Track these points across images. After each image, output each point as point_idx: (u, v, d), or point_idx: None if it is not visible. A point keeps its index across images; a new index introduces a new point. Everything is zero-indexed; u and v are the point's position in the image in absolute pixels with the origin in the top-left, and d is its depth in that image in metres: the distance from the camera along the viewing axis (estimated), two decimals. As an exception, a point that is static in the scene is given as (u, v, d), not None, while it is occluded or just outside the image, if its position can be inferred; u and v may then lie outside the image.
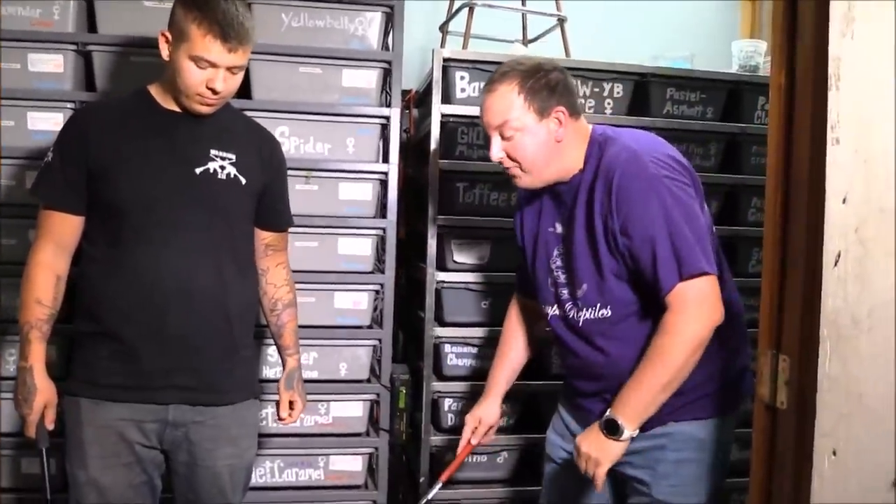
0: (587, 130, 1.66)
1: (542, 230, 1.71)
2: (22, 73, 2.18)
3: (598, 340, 1.62)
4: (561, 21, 2.88)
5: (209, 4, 1.54)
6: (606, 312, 1.59)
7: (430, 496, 1.88)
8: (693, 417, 1.60)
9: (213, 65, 1.56)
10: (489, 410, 1.88)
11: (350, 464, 2.39)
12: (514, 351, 1.90)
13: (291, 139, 2.33)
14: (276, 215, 1.84)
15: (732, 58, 2.79)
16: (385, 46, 2.41)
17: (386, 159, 2.38)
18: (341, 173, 2.36)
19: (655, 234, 1.48)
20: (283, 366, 1.88)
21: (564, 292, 1.66)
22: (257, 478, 2.34)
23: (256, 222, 1.79)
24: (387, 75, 2.38)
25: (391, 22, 2.38)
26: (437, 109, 2.43)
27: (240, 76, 1.63)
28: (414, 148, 2.92)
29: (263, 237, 1.82)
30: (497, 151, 1.61)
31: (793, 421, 1.05)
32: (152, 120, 1.65)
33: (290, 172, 2.30)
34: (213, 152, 1.67)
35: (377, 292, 2.40)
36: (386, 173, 2.37)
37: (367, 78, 2.36)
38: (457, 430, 2.49)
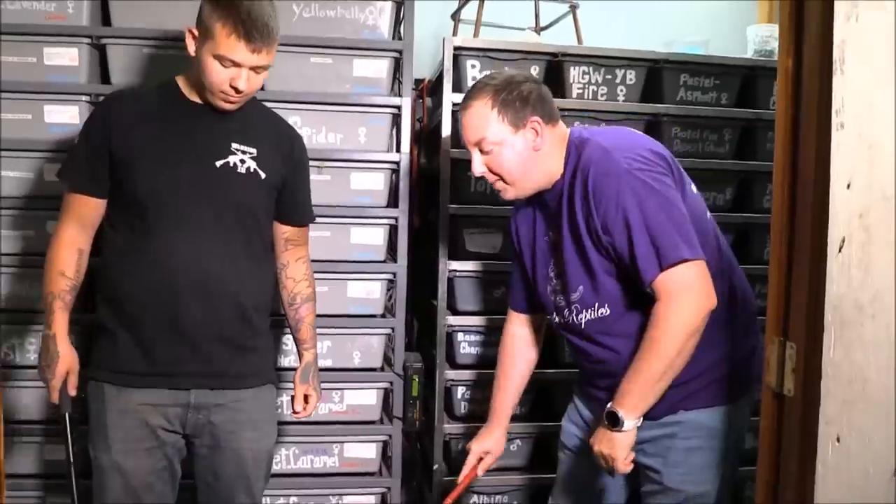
0: (565, 134, 1.66)
1: (538, 239, 1.73)
2: (38, 66, 2.21)
3: (604, 340, 1.63)
4: (573, 7, 2.87)
5: (234, 3, 1.55)
6: (605, 311, 1.60)
7: None
8: (703, 405, 1.61)
9: (237, 64, 1.57)
10: (495, 441, 1.88)
11: (364, 451, 2.41)
12: (513, 375, 1.88)
13: (303, 129, 2.34)
14: (297, 210, 1.85)
15: (748, 43, 2.76)
16: (396, 35, 2.41)
17: (398, 149, 2.39)
18: (353, 163, 2.36)
19: (632, 228, 1.49)
20: (300, 359, 1.89)
21: (561, 299, 1.68)
22: (273, 465, 2.37)
23: (276, 216, 1.81)
24: (398, 64, 2.38)
25: (402, 11, 2.37)
26: (449, 98, 2.43)
27: (264, 74, 1.63)
28: (427, 137, 2.92)
29: (283, 231, 1.83)
30: (478, 167, 1.62)
31: (799, 408, 1.05)
32: (177, 112, 1.68)
33: (301, 162, 2.34)
34: (234, 146, 1.68)
35: (390, 281, 2.41)
36: (398, 163, 2.38)
37: (379, 67, 2.36)
38: (469, 417, 2.52)
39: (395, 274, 2.40)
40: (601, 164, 1.53)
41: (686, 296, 1.47)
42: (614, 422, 1.53)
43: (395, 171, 2.39)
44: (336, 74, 2.34)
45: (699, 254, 1.49)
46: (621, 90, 2.58)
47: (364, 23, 2.36)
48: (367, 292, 2.40)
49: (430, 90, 2.92)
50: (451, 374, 2.50)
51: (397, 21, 2.40)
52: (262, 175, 1.71)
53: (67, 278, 1.65)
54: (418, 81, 2.83)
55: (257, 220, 1.74)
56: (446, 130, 2.45)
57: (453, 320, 2.49)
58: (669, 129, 2.59)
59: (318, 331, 2.35)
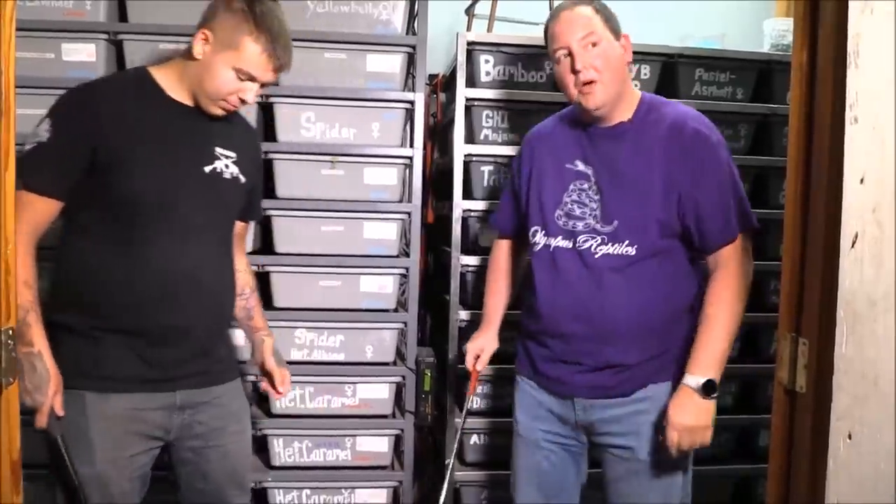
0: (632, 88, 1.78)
1: (558, 165, 1.77)
2: (56, 62, 2.24)
3: (607, 276, 1.67)
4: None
5: (267, 22, 1.53)
6: (631, 251, 1.66)
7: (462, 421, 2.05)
8: (668, 378, 1.68)
9: (253, 79, 1.56)
10: (490, 340, 1.96)
11: (376, 445, 2.43)
12: (506, 286, 1.98)
13: (317, 124, 2.35)
14: (255, 209, 1.89)
15: (764, 37, 2.73)
16: (410, 31, 2.42)
17: (411, 144, 2.39)
18: (367, 158, 2.37)
19: (727, 190, 1.64)
20: (261, 345, 1.85)
21: (579, 225, 1.71)
22: (286, 457, 2.40)
23: (239, 216, 1.81)
24: (412, 59, 2.38)
25: (416, 6, 2.37)
26: (462, 93, 2.43)
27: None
28: (441, 132, 2.93)
29: (237, 229, 1.82)
30: (584, 59, 1.64)
31: (811, 405, 1.04)
32: (162, 110, 1.60)
33: (315, 157, 2.35)
34: (218, 150, 1.66)
35: (403, 276, 2.42)
36: (411, 158, 2.38)
37: (392, 63, 2.37)
38: (482, 412, 2.52)
39: (407, 269, 2.41)
40: (700, 129, 1.66)
41: (750, 259, 1.67)
42: (712, 389, 1.58)
43: (409, 167, 2.39)
44: (350, 69, 2.35)
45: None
46: (636, 84, 2.55)
47: (378, 18, 2.36)
48: (380, 287, 2.41)
49: (443, 85, 2.92)
50: (463, 368, 2.50)
51: (411, 16, 2.41)
52: (242, 180, 1.71)
53: (32, 288, 1.50)
54: (432, 76, 2.83)
55: (234, 222, 1.76)
56: (460, 125, 2.45)
57: (465, 315, 2.49)
58: (684, 125, 2.57)
59: (332, 325, 2.39)
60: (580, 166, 1.74)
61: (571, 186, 1.74)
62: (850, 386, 0.94)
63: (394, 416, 2.45)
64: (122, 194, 1.55)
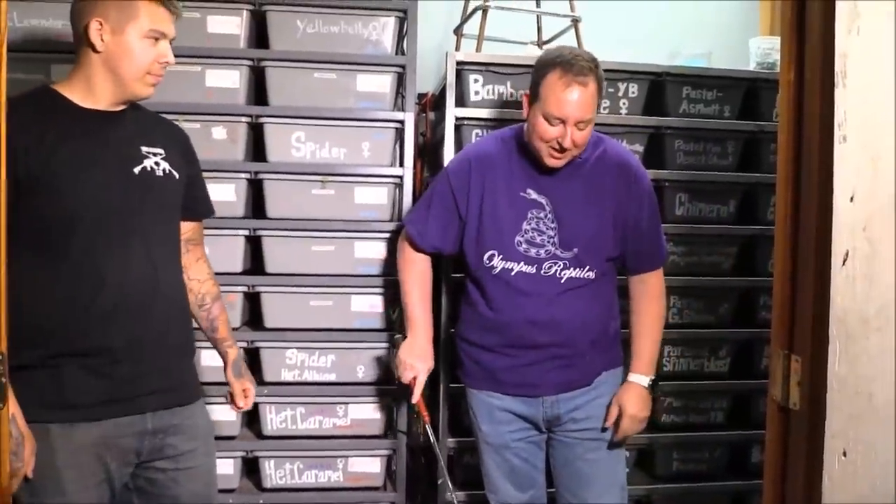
0: None
1: (512, 193, 1.87)
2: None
3: (568, 296, 1.86)
4: (575, 22, 2.87)
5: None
6: (591, 275, 1.87)
7: (431, 438, 2.05)
8: (615, 365, 1.98)
9: (165, 36, 1.55)
10: (425, 357, 1.98)
11: (368, 465, 2.41)
12: (428, 288, 2.03)
13: (307, 144, 2.36)
14: (199, 203, 1.80)
15: (750, 55, 2.76)
16: (400, 51, 2.43)
17: (401, 163, 2.40)
18: (357, 177, 2.37)
19: (657, 220, 1.94)
20: (225, 357, 1.84)
21: (542, 252, 1.86)
22: (277, 479, 2.37)
23: (182, 215, 1.74)
24: (401, 79, 2.40)
25: (405, 26, 2.39)
26: (452, 112, 2.44)
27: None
28: (431, 151, 2.93)
29: (184, 231, 1.75)
30: (575, 138, 1.76)
31: (805, 422, 1.04)
32: (77, 120, 1.54)
33: (306, 177, 2.35)
34: (143, 149, 1.61)
35: (394, 295, 2.41)
36: (401, 177, 2.38)
37: (382, 82, 2.38)
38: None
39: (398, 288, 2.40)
40: (639, 164, 1.95)
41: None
42: (656, 385, 1.92)
43: (399, 186, 2.40)
44: (340, 89, 2.36)
45: None
46: (624, 103, 2.58)
47: (367, 38, 2.37)
48: (371, 306, 2.40)
49: (432, 104, 2.93)
50: (455, 387, 2.49)
51: (400, 36, 2.42)
52: (176, 175, 1.66)
53: None
54: (421, 96, 2.84)
55: (177, 222, 1.71)
56: (449, 144, 2.45)
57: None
58: (673, 142, 2.59)
59: (323, 345, 2.38)
60: (533, 195, 1.86)
61: (529, 214, 1.86)
62: (845, 403, 0.94)
63: (386, 436, 2.43)
64: (55, 214, 1.49)
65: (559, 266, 1.85)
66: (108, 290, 1.52)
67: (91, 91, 1.56)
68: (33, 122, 1.50)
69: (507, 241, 1.86)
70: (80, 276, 1.51)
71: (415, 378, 1.96)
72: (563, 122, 1.74)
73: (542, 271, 1.85)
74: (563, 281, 1.85)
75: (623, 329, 2.03)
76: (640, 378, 1.91)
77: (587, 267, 1.86)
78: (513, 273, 1.86)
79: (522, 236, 1.86)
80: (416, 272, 2.00)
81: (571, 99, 1.72)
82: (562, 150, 1.77)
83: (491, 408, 1.95)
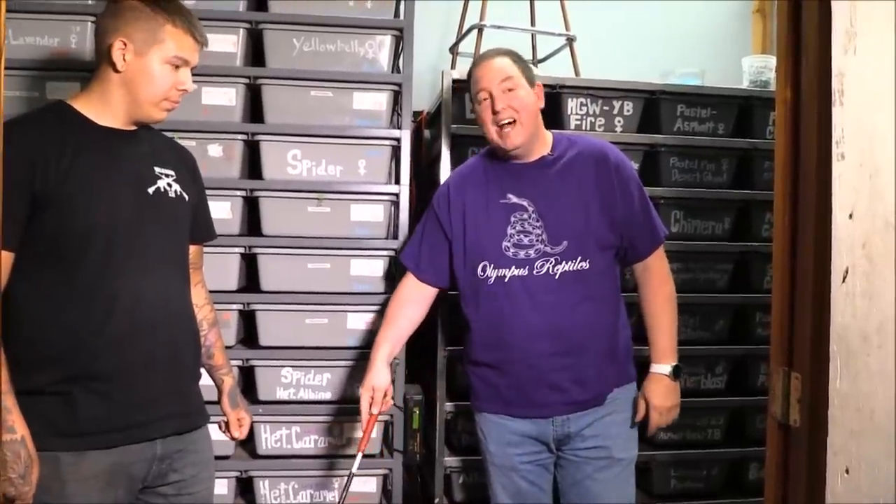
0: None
1: (492, 202, 1.90)
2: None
3: (567, 295, 1.83)
4: (570, 40, 2.90)
5: (173, 6, 1.57)
6: (585, 265, 1.85)
7: (354, 469, 1.90)
8: (627, 381, 1.93)
9: (187, 64, 1.59)
10: (381, 378, 1.93)
11: (365, 485, 2.38)
12: (404, 319, 2.00)
13: (303, 162, 2.36)
14: (203, 227, 1.80)
15: (743, 73, 2.79)
16: (396, 69, 2.44)
17: (397, 180, 2.40)
18: (353, 195, 2.37)
19: (646, 201, 1.92)
20: (221, 385, 1.83)
21: (531, 252, 1.85)
22: (272, 500, 2.34)
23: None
24: (397, 97, 2.40)
25: (401, 45, 2.40)
26: (447, 130, 2.45)
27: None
28: (426, 168, 2.94)
29: (191, 256, 1.75)
30: (502, 101, 1.82)
31: (805, 439, 1.04)
32: (93, 138, 1.53)
33: (302, 195, 2.35)
34: (157, 170, 1.62)
35: (390, 313, 2.40)
36: (397, 194, 2.38)
37: (378, 100, 2.38)
38: (470, 449, 2.49)
39: (395, 305, 2.39)
40: (618, 153, 1.93)
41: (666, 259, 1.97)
42: (679, 371, 1.89)
43: (395, 203, 2.40)
44: (336, 107, 2.36)
45: None
46: (619, 121, 2.60)
47: (364, 56, 2.38)
48: (367, 324, 2.39)
49: (428, 122, 2.94)
50: (452, 405, 2.48)
51: (396, 54, 2.43)
52: (186, 197, 1.66)
53: (2, 364, 1.34)
54: (416, 113, 2.85)
55: (187, 244, 1.70)
56: (445, 162, 2.46)
57: (453, 352, 2.47)
58: (667, 159, 2.61)
59: (318, 363, 2.36)
60: (513, 199, 1.89)
61: (512, 218, 1.88)
62: (846, 420, 0.94)
63: (382, 455, 2.41)
64: (69, 231, 1.47)
65: (551, 263, 1.84)
66: (121, 311, 1.50)
67: (106, 109, 1.56)
68: (55, 135, 1.49)
69: (496, 249, 1.87)
70: (92, 297, 1.49)
71: (371, 401, 1.91)
72: (490, 95, 1.83)
73: (534, 271, 1.85)
74: (556, 277, 1.84)
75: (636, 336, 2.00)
76: (662, 367, 1.89)
77: (579, 258, 1.84)
78: (506, 280, 1.86)
79: (509, 241, 1.87)
80: (395, 301, 2.02)
81: (484, 71, 1.85)
82: (502, 122, 1.82)
83: (499, 429, 1.92)
